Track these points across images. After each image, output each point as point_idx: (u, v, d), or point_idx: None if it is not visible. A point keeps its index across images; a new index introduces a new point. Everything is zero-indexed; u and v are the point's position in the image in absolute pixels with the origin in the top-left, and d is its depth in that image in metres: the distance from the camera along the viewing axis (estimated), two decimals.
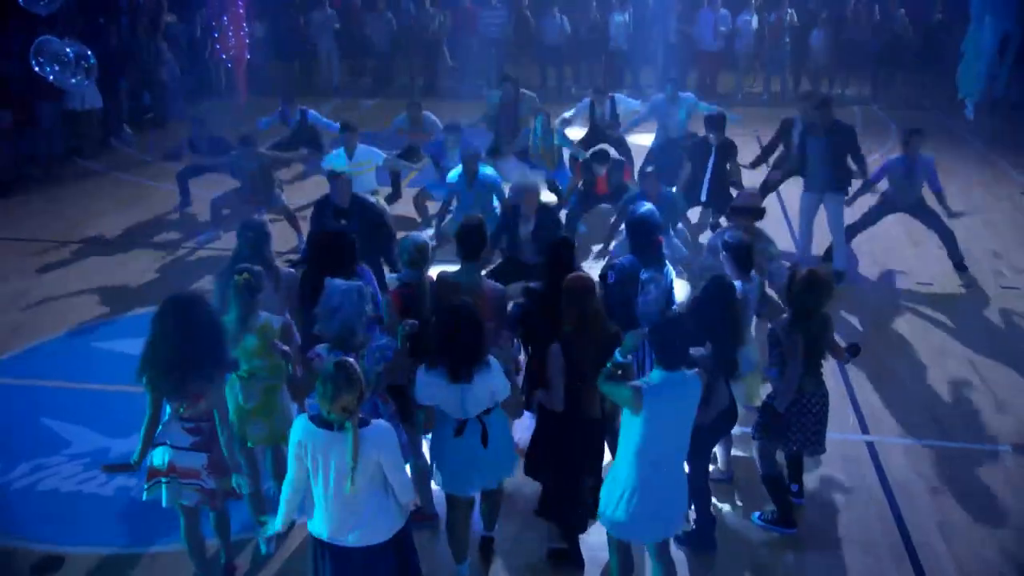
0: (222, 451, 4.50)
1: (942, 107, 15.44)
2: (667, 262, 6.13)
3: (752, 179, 9.81)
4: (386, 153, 9.97)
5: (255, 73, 16.06)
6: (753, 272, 5.89)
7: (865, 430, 6.56)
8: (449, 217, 9.25)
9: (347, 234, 5.75)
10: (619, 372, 4.39)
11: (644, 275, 5.36)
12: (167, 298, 4.49)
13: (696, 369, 4.46)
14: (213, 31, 14.37)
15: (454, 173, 9.01)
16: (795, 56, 17.31)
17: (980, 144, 14.04)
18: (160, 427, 4.53)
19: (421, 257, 5.34)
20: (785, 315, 5.34)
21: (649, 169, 9.34)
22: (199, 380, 4.39)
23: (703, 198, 9.47)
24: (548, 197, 9.85)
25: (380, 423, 3.97)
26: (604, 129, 11.28)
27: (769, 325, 5.44)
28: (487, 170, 9.00)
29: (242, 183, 9.78)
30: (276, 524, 4.17)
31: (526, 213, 7.55)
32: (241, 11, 13.87)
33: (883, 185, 9.25)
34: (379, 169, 9.70)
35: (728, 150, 9.46)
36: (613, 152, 10.31)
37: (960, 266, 9.28)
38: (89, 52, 7.96)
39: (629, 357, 4.44)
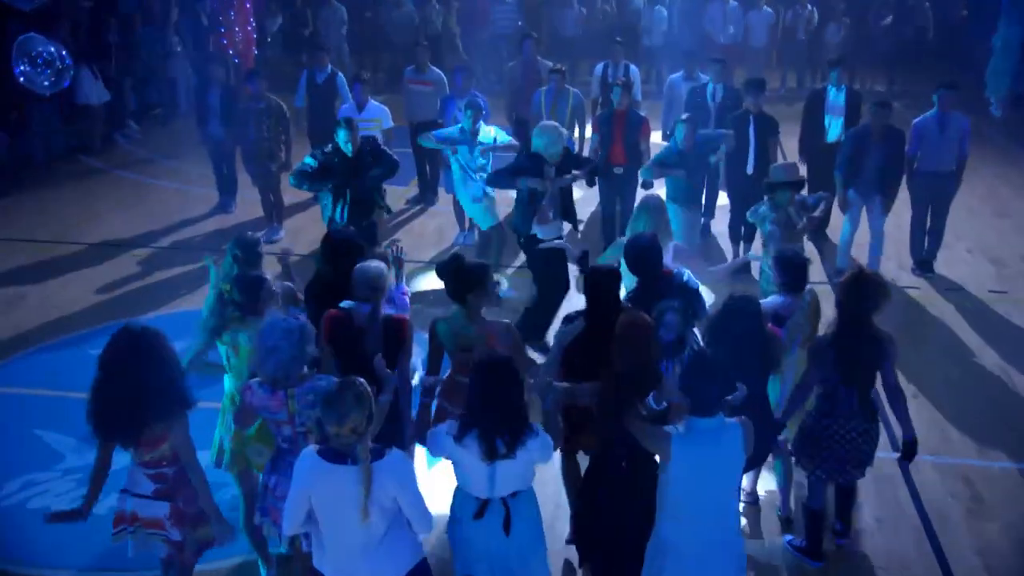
0: (192, 498, 4.16)
1: (966, 104, 15.03)
2: (688, 280, 5.37)
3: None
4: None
5: (263, 69, 15.79)
6: (808, 288, 5.38)
7: (896, 447, 6.19)
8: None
9: (357, 238, 5.51)
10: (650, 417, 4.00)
11: (661, 304, 4.74)
12: (117, 331, 4.16)
13: (741, 417, 3.99)
14: (220, 26, 14.07)
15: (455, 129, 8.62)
16: (812, 50, 17.02)
17: (1005, 142, 13.64)
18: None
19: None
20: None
21: (685, 116, 8.59)
22: (157, 421, 4.04)
23: (750, 171, 8.77)
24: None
25: (395, 453, 3.68)
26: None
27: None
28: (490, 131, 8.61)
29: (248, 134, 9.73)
30: (280, 543, 3.91)
31: (551, 158, 7.06)
32: (248, 6, 13.57)
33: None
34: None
35: (767, 122, 8.80)
36: None
37: (927, 264, 8.97)
38: (64, 53, 7.62)
39: (664, 404, 4.07)
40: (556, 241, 6.81)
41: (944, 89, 8.52)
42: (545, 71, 10.41)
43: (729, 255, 9.16)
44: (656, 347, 4.37)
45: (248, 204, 10.60)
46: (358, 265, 4.80)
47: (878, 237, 8.56)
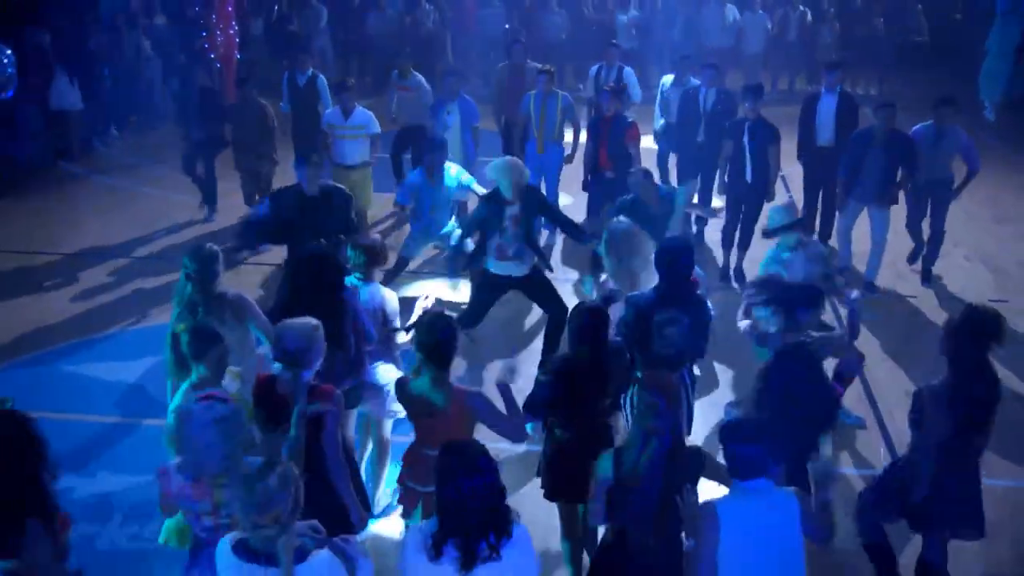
0: None
1: (960, 108, 14.88)
2: (705, 301, 5.34)
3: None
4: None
5: (247, 70, 15.56)
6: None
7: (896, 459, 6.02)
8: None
9: (332, 256, 5.24)
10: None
11: (660, 316, 4.59)
12: None
13: (793, 488, 3.59)
14: (201, 30, 13.83)
15: (413, 173, 8.34)
16: (804, 53, 16.88)
17: (1003, 147, 13.47)
18: None
19: (286, 356, 4.13)
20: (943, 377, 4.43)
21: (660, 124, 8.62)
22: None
23: (748, 179, 8.54)
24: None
25: (322, 556, 3.16)
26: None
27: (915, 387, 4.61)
28: (452, 167, 8.15)
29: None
30: None
31: (510, 196, 6.67)
32: (230, 9, 13.32)
33: None
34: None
35: (766, 129, 8.43)
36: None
37: (926, 273, 8.78)
38: (5, 60, 7.37)
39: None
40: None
41: (942, 105, 8.41)
42: (533, 74, 10.20)
43: (720, 261, 8.99)
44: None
45: (234, 210, 10.38)
46: (283, 322, 4.26)
47: (879, 246, 8.36)
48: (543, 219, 7.22)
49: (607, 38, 16.04)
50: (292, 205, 6.90)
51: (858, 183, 8.29)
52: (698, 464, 3.89)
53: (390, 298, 5.53)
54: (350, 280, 5.33)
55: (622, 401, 4.80)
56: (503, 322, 7.82)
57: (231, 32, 13.34)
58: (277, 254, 9.33)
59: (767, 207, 7.66)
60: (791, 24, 16.79)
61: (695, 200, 9.70)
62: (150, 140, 13.78)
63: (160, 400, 5.46)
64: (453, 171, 8.07)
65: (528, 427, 4.71)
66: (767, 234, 6.59)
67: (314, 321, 4.21)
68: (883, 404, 6.67)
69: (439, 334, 4.23)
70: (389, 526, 5.36)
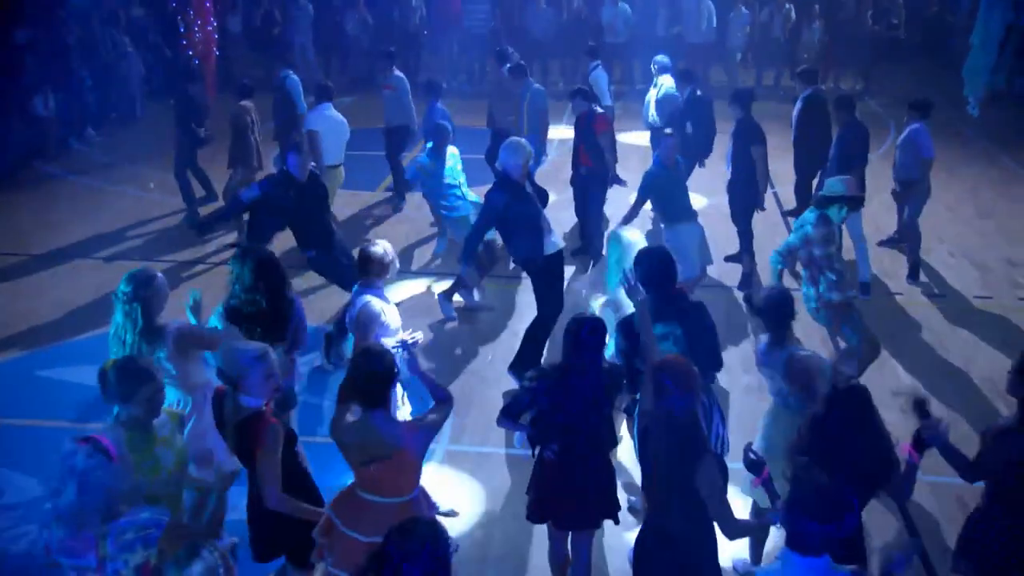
0: None
1: (943, 102, 14.88)
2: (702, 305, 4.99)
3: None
4: None
5: (226, 69, 15.39)
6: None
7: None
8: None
9: (276, 260, 5.19)
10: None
11: (660, 329, 4.53)
12: None
13: (853, 567, 3.14)
14: (179, 26, 13.63)
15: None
16: (788, 49, 16.84)
17: (985, 141, 13.47)
18: None
19: (228, 373, 3.92)
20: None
21: (668, 130, 8.48)
22: None
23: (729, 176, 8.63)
24: None
25: None
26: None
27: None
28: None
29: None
30: None
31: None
32: (208, 4, 13.13)
33: None
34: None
35: (750, 130, 8.31)
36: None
37: (914, 273, 8.75)
38: None
39: None
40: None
41: (908, 108, 8.67)
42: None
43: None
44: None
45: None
46: (230, 343, 4.08)
47: (861, 241, 8.26)
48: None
49: (594, 35, 16.00)
50: (283, 191, 7.06)
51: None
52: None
53: (388, 312, 5.21)
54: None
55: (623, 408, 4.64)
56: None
57: (209, 29, 13.15)
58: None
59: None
60: (776, 21, 16.74)
61: None
62: (126, 138, 13.58)
63: None
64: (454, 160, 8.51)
65: (516, 439, 4.62)
66: (819, 203, 6.44)
67: (260, 348, 3.94)
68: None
69: (373, 366, 3.81)
70: None
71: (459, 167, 8.59)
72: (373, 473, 3.78)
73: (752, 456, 3.82)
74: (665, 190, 7.72)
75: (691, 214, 7.77)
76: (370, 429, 3.77)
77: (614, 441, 4.67)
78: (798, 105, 9.47)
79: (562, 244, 6.78)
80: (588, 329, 4.21)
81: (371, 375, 3.78)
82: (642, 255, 5.00)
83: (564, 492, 4.24)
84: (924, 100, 8.70)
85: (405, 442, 3.77)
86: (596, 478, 4.32)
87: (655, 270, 4.83)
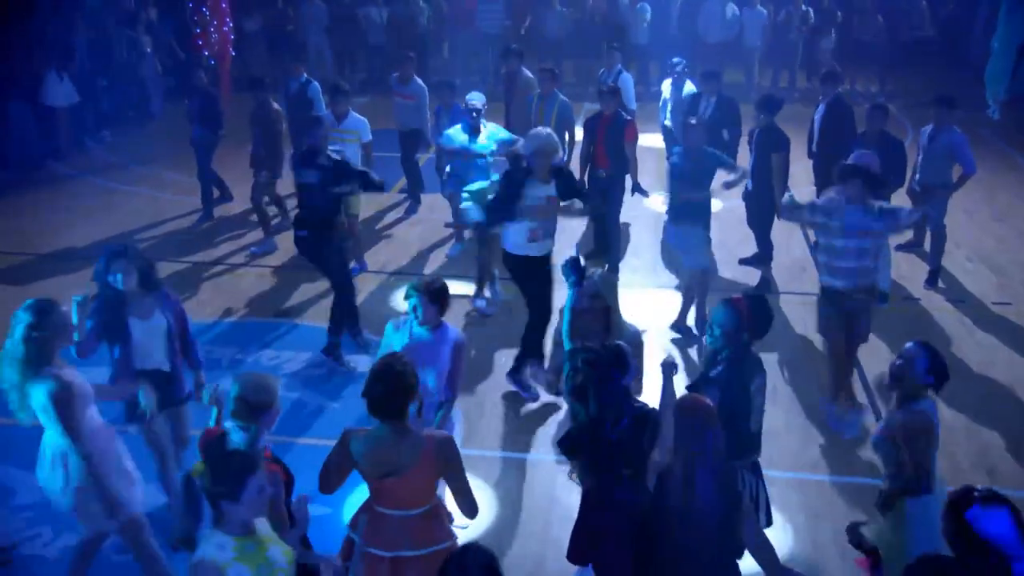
0: None
1: (961, 105, 14.74)
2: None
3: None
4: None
5: (242, 70, 15.41)
6: None
7: None
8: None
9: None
10: None
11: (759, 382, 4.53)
12: None
13: None
14: (195, 27, 13.66)
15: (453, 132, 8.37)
16: (805, 50, 16.74)
17: (1002, 144, 13.35)
18: None
19: (253, 407, 3.80)
20: None
21: (693, 120, 8.03)
22: None
23: (749, 187, 8.41)
24: None
25: None
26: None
27: None
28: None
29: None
30: None
31: (540, 176, 6.50)
32: (224, 6, 13.16)
33: None
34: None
35: (773, 137, 8.14)
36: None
37: (932, 279, 8.63)
38: None
39: None
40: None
41: (935, 105, 8.33)
42: (528, 82, 10.13)
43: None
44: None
45: (226, 210, 10.26)
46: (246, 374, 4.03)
47: (883, 250, 8.16)
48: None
49: (610, 36, 15.96)
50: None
51: None
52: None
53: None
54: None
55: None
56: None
57: (225, 30, 13.18)
58: (274, 257, 9.26)
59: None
60: (793, 22, 16.64)
61: None
62: (141, 139, 13.61)
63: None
64: (486, 135, 8.24)
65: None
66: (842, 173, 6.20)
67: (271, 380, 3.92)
68: (885, 410, 6.52)
69: (391, 378, 3.67)
70: None
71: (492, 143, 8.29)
72: (390, 486, 3.67)
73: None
74: (685, 179, 7.43)
75: (698, 216, 7.51)
76: (387, 442, 3.66)
77: None
78: (820, 110, 9.15)
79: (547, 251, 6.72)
80: (616, 363, 4.17)
81: (389, 386, 3.65)
82: (757, 304, 4.71)
83: (597, 529, 4.16)
84: (951, 95, 8.50)
85: (424, 455, 3.66)
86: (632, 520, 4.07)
87: (766, 318, 4.69)
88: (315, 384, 6.92)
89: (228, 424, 3.82)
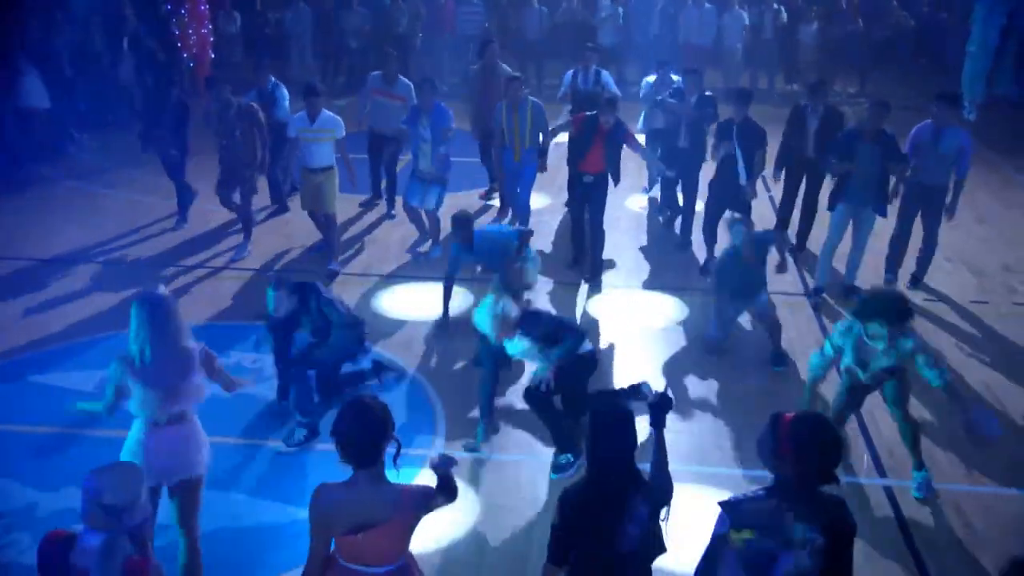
0: None
1: (959, 104, 14.87)
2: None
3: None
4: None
5: (222, 72, 15.34)
6: None
7: (882, 472, 5.94)
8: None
9: None
10: None
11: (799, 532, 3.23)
12: None
13: None
14: (174, 29, 13.60)
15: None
16: (783, 52, 16.86)
17: (982, 147, 13.43)
18: None
19: (109, 510, 3.17)
20: None
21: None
22: None
23: (743, 181, 8.56)
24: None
25: None
26: (588, 95, 10.47)
27: None
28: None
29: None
30: None
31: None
32: (203, 8, 13.11)
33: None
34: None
35: (752, 132, 8.48)
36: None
37: (916, 279, 8.70)
38: None
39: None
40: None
41: (938, 102, 7.93)
42: (505, 74, 10.08)
43: (702, 258, 9.04)
44: None
45: (202, 216, 10.21)
46: (102, 469, 3.27)
47: (860, 250, 8.26)
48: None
49: (585, 36, 16.00)
50: None
51: (848, 186, 8.01)
52: None
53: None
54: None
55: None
56: None
57: (204, 32, 13.13)
58: (254, 259, 9.22)
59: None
60: (767, 23, 16.77)
61: (680, 200, 9.71)
62: (121, 142, 13.50)
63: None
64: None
65: None
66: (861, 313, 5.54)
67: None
68: (865, 409, 6.55)
69: (363, 421, 3.35)
70: None
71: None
72: (359, 541, 3.32)
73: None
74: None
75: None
76: (360, 491, 3.35)
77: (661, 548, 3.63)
78: (814, 124, 9.00)
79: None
80: (616, 421, 3.47)
81: (362, 430, 3.33)
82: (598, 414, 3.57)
83: None
84: (953, 91, 8.29)
85: (399, 509, 3.36)
86: None
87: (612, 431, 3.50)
88: None
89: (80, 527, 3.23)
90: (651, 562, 3.55)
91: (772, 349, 7.25)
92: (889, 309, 5.23)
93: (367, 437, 3.32)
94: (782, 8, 16.90)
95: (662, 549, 3.55)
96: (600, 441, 3.42)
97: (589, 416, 3.50)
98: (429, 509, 3.47)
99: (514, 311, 5.80)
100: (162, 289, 4.49)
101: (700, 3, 16.19)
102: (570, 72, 11.03)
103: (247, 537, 5.23)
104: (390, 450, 3.44)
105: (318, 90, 9.00)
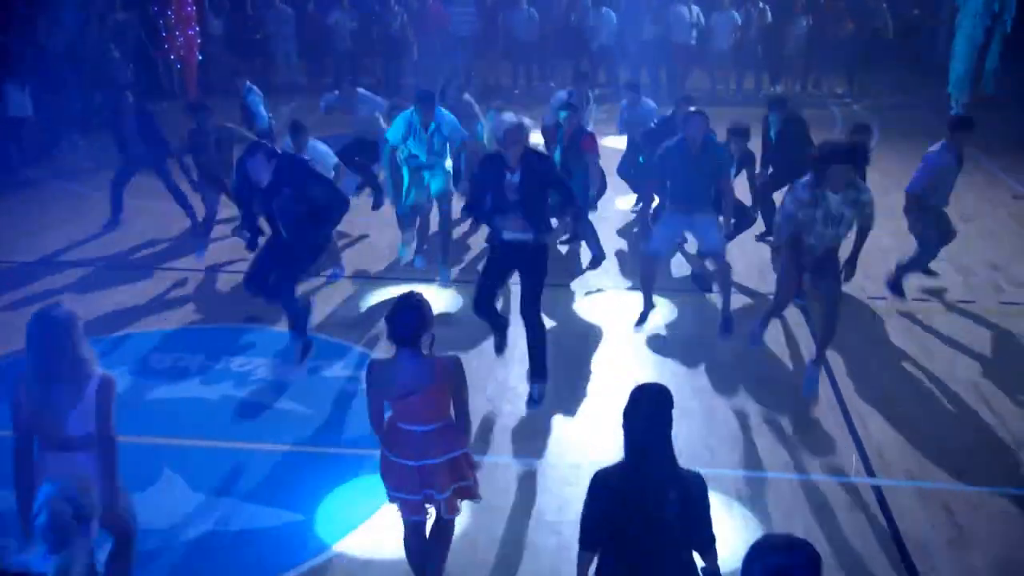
0: None
1: (926, 105, 15.00)
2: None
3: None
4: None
5: (209, 73, 15.31)
6: None
7: (871, 472, 5.96)
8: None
9: None
10: None
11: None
12: None
13: None
14: (161, 29, 13.54)
15: (396, 123, 8.46)
16: (769, 54, 16.91)
17: (968, 145, 13.49)
18: None
19: (72, 519, 3.11)
20: None
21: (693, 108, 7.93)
22: None
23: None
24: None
25: None
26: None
27: None
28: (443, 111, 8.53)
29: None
30: None
31: (511, 163, 6.19)
32: (190, 8, 13.07)
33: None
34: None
35: (750, 163, 9.12)
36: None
37: (896, 285, 8.67)
38: None
39: None
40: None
41: (960, 130, 8.16)
42: (470, 109, 9.97)
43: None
44: None
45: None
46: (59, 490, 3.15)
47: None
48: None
49: (578, 38, 16.05)
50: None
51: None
52: None
53: None
54: None
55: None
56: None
57: (191, 33, 13.10)
58: (244, 262, 9.19)
59: None
60: (752, 23, 16.83)
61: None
62: (111, 143, 13.42)
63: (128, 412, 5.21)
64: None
65: None
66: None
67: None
68: (853, 409, 6.60)
69: (408, 310, 4.19)
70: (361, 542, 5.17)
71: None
72: (411, 404, 4.19)
73: None
74: (679, 171, 7.31)
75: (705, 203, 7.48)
76: (406, 365, 4.19)
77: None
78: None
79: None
80: (649, 397, 3.47)
81: (405, 316, 4.15)
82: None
83: None
84: (970, 117, 8.45)
85: (435, 377, 4.19)
86: None
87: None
88: (286, 390, 6.87)
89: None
90: (691, 551, 3.47)
91: (721, 310, 7.56)
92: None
93: (411, 323, 4.14)
94: (767, 8, 16.95)
95: (706, 539, 3.45)
96: (638, 422, 3.41)
97: (628, 397, 3.47)
98: (459, 375, 4.26)
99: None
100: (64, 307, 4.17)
101: (685, 2, 16.25)
102: (563, 92, 10.87)
103: (238, 542, 5.21)
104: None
105: (302, 126, 8.88)
